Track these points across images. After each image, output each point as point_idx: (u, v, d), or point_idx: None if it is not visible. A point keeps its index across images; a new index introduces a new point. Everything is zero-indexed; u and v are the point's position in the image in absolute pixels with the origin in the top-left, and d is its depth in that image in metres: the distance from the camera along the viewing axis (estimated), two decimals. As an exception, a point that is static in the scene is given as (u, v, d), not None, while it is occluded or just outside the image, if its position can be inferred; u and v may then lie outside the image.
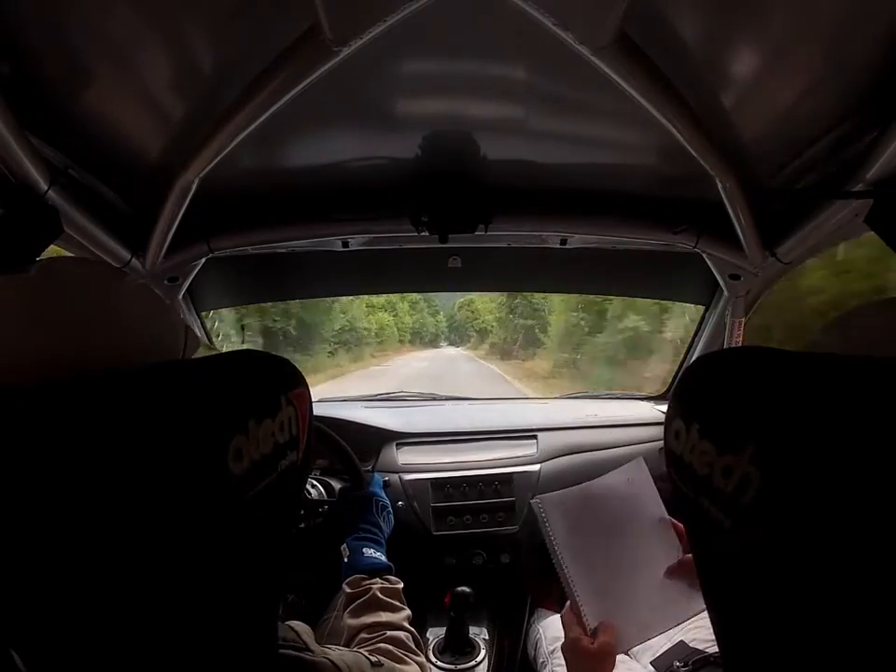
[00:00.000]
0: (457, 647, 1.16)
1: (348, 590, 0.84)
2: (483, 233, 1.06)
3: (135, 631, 0.30)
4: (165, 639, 0.32)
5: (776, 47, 0.61)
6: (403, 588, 0.87)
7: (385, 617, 0.78)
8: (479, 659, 1.14)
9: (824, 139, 0.75)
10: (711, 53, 0.64)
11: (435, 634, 1.20)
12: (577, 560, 0.85)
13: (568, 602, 0.83)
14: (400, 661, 0.68)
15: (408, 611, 0.82)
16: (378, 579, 0.85)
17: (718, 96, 0.70)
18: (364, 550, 0.90)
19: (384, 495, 1.07)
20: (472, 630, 1.20)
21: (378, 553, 0.91)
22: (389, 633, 0.74)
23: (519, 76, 0.72)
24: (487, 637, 1.23)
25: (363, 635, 0.75)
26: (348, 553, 0.91)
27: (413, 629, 0.78)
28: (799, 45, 0.61)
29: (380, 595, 0.81)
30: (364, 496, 1.03)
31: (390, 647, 0.70)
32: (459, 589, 1.13)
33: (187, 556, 0.32)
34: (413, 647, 0.74)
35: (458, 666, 1.12)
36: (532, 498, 0.92)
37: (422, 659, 0.73)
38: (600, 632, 0.77)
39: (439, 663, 1.12)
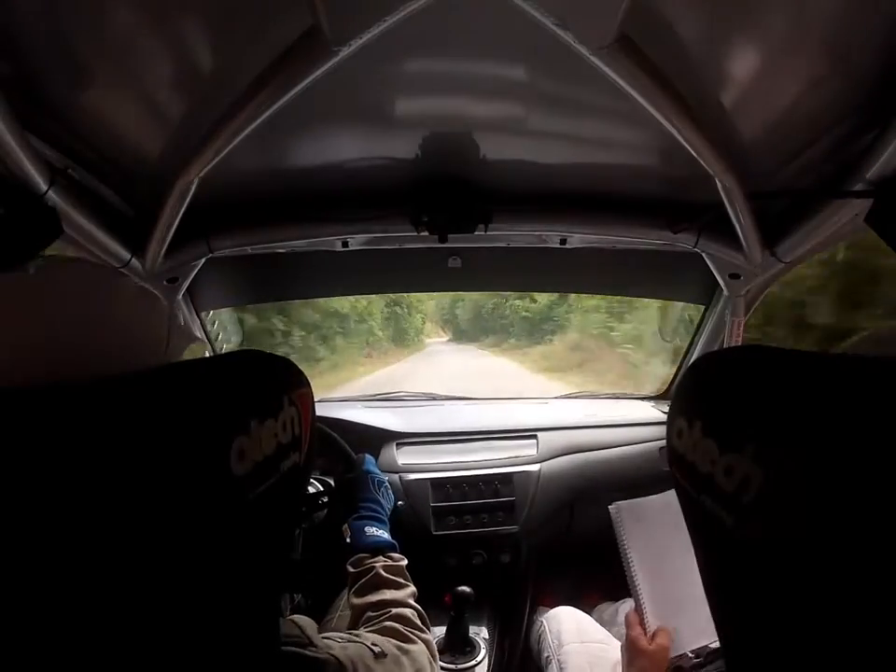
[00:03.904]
0: (458, 646, 1.16)
1: (351, 570, 0.83)
2: (482, 233, 1.06)
3: (138, 631, 0.30)
4: (168, 639, 0.32)
5: (775, 46, 0.61)
6: None
7: (389, 595, 0.77)
8: (479, 658, 1.14)
9: (824, 139, 0.75)
10: (711, 53, 0.64)
11: (435, 633, 1.20)
12: (645, 565, 0.93)
13: (633, 603, 0.92)
14: (407, 639, 0.67)
15: (412, 588, 0.81)
16: (381, 556, 0.84)
17: (717, 96, 0.70)
18: (366, 529, 0.89)
19: (378, 471, 1.06)
20: (472, 630, 1.20)
21: (380, 531, 0.90)
22: (395, 610, 0.73)
23: (519, 76, 0.72)
24: (487, 637, 1.23)
25: (369, 613, 0.74)
26: (350, 534, 0.90)
27: (418, 606, 0.77)
28: (799, 45, 0.61)
29: (383, 572, 0.80)
30: (358, 475, 1.02)
31: (396, 625, 0.69)
32: (459, 589, 1.13)
33: (189, 557, 0.32)
34: (420, 624, 0.73)
35: (459, 666, 1.13)
36: (611, 505, 1.04)
37: (429, 636, 0.72)
38: (658, 634, 0.88)
39: (439, 662, 1.12)
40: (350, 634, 0.61)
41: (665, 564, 0.94)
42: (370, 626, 0.70)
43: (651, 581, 0.92)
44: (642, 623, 0.90)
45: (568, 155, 0.94)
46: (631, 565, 0.93)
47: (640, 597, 0.92)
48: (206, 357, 0.42)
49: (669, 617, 0.89)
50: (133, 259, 0.97)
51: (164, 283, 1.13)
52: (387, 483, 1.06)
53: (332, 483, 1.15)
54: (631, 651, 0.89)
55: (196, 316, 1.38)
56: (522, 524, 1.33)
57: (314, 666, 0.47)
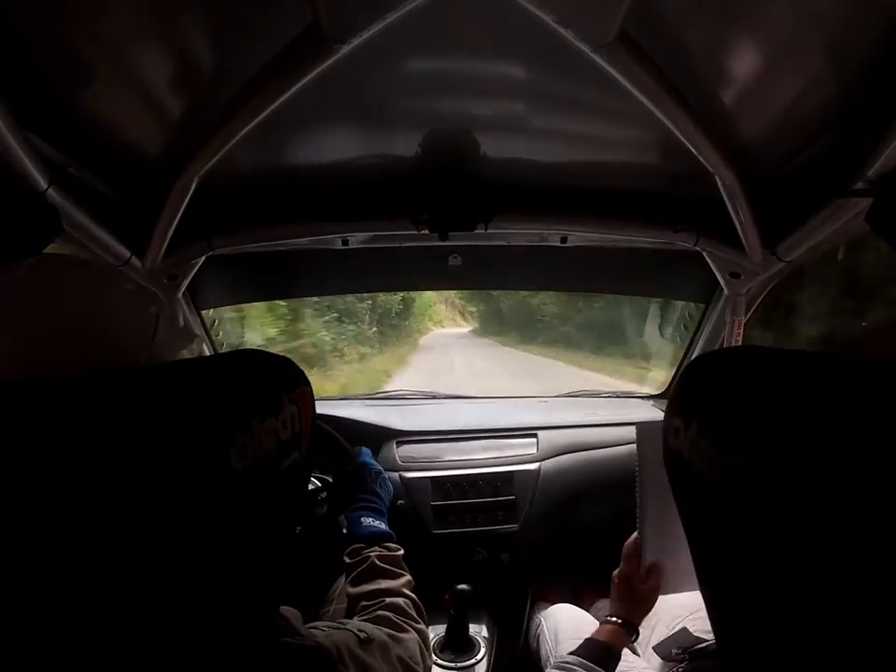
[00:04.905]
0: (457, 645, 1.16)
1: (348, 560, 0.83)
2: (482, 231, 1.06)
3: (137, 623, 0.30)
4: (165, 630, 0.32)
5: (776, 45, 0.61)
6: None
7: (383, 584, 0.77)
8: (479, 657, 1.14)
9: (824, 137, 0.75)
10: (712, 52, 0.64)
11: (435, 632, 1.20)
12: (655, 495, 0.91)
13: (635, 533, 0.92)
14: (399, 628, 0.67)
15: (408, 577, 0.81)
16: (377, 547, 0.84)
17: (718, 94, 0.70)
18: (362, 519, 0.89)
19: (374, 462, 1.06)
20: (472, 628, 1.20)
21: (377, 522, 0.90)
22: (388, 600, 0.73)
23: (519, 73, 0.72)
24: (487, 636, 1.23)
25: (363, 602, 0.74)
26: (346, 524, 0.91)
27: (413, 595, 0.77)
28: (799, 43, 0.60)
29: (378, 562, 0.80)
30: (355, 468, 1.02)
31: (389, 614, 0.69)
32: (459, 587, 1.13)
33: (189, 553, 0.32)
34: (413, 614, 0.73)
35: (458, 665, 1.13)
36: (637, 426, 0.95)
37: (422, 626, 0.72)
38: (652, 572, 0.88)
39: (439, 661, 1.12)
40: (338, 622, 0.61)
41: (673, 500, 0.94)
42: (364, 615, 0.70)
43: (658, 514, 0.91)
44: (639, 555, 0.89)
45: (569, 153, 0.94)
46: (644, 490, 0.92)
47: (645, 526, 0.91)
48: (207, 356, 0.42)
49: (667, 553, 0.89)
50: (133, 258, 0.97)
51: (164, 281, 1.13)
52: (384, 474, 1.05)
53: (330, 480, 1.15)
54: (621, 588, 0.88)
55: (196, 314, 1.38)
56: (522, 522, 1.33)
57: (298, 654, 0.47)
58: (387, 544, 0.85)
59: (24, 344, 0.34)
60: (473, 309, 9.67)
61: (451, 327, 9.61)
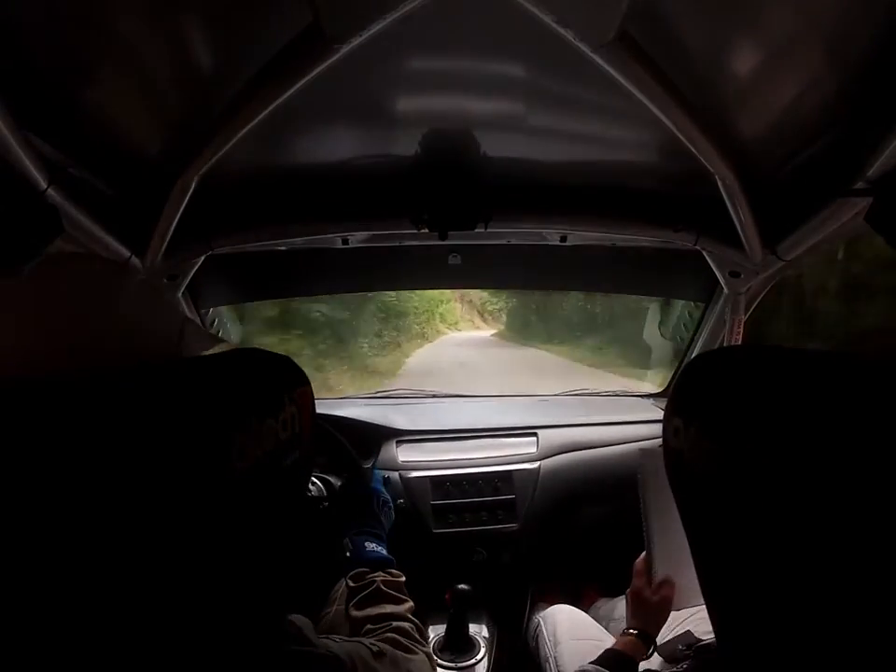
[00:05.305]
0: (457, 645, 1.16)
1: (351, 583, 0.85)
2: (482, 230, 1.06)
3: (139, 626, 0.30)
4: (168, 633, 0.32)
5: (776, 45, 0.61)
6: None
7: (389, 608, 0.79)
8: (479, 657, 1.15)
9: (824, 137, 0.75)
10: (712, 51, 0.64)
11: (435, 632, 1.20)
12: (660, 515, 0.93)
13: (644, 553, 0.93)
14: (408, 650, 0.68)
15: (411, 603, 0.83)
16: (381, 572, 0.85)
17: (718, 94, 0.70)
18: (366, 544, 0.91)
19: (384, 490, 1.08)
20: (472, 628, 1.20)
21: (380, 547, 0.92)
22: (395, 623, 0.75)
23: (519, 73, 0.72)
24: (487, 635, 1.23)
25: (369, 626, 0.76)
26: (350, 548, 0.92)
27: (416, 620, 0.79)
28: (799, 43, 0.60)
29: (383, 587, 0.82)
30: (365, 491, 1.04)
31: (397, 637, 0.71)
32: (459, 587, 1.13)
33: (192, 556, 0.32)
34: (419, 637, 0.75)
35: (458, 664, 1.13)
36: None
37: (428, 649, 0.73)
38: (663, 587, 0.89)
39: (439, 661, 1.12)
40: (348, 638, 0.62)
41: (677, 517, 0.94)
42: (371, 637, 0.71)
43: (664, 533, 0.93)
44: (649, 572, 0.91)
45: (569, 152, 0.94)
46: (648, 513, 0.94)
47: (652, 544, 0.93)
48: (207, 355, 0.42)
49: (676, 569, 0.90)
50: (133, 257, 0.97)
51: (164, 280, 1.13)
52: (391, 504, 1.08)
53: (332, 480, 1.15)
54: (634, 602, 0.91)
55: (196, 314, 1.38)
56: (522, 521, 1.33)
57: (314, 663, 0.47)
58: (390, 570, 0.87)
59: (38, 342, 0.34)
60: (495, 306, 7.50)
61: (469, 330, 7.69)
